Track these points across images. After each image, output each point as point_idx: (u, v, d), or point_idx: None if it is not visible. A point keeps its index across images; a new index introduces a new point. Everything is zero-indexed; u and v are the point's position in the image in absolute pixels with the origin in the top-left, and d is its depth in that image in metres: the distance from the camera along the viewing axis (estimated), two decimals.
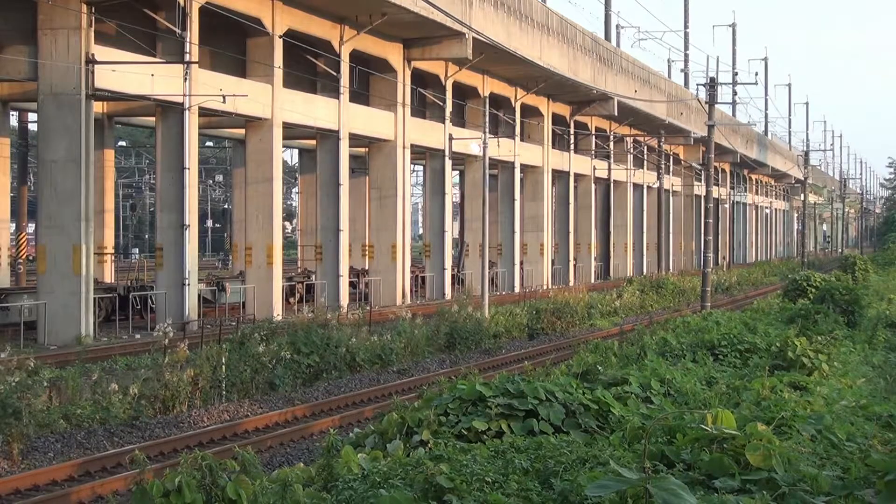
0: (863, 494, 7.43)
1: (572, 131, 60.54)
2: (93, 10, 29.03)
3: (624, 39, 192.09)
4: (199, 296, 33.55)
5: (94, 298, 29.88)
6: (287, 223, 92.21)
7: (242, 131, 39.17)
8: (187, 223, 32.20)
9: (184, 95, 31.44)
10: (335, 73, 39.24)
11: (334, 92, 39.52)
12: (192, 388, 20.24)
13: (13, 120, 46.18)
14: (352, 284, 43.20)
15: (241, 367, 21.69)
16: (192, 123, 32.27)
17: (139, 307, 33.82)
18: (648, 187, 73.13)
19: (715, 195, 74.47)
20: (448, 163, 46.61)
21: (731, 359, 18.54)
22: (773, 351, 17.12)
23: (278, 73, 35.68)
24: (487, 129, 44.02)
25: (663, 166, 66.03)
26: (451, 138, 42.37)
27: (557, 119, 58.98)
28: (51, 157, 29.09)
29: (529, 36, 46.61)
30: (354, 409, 20.94)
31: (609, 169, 65.20)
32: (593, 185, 64.96)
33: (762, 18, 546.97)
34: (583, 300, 39.24)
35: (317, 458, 12.00)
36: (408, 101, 43.72)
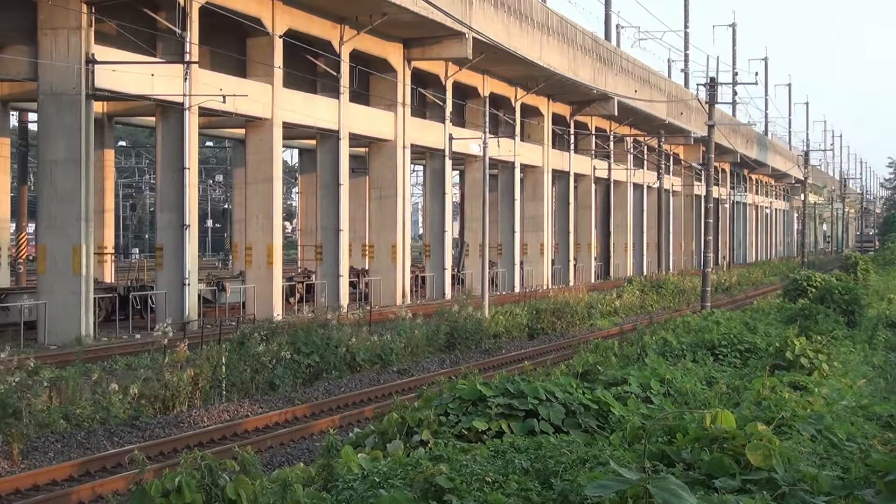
0: (863, 494, 7.42)
1: (572, 131, 60.54)
2: (93, 10, 29.03)
3: (624, 39, 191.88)
4: (199, 296, 33.55)
5: (94, 298, 29.89)
6: (287, 223, 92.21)
7: (242, 131, 39.19)
8: (187, 223, 32.20)
9: (184, 95, 31.44)
10: (335, 73, 39.24)
11: (334, 92, 39.52)
12: (192, 388, 20.23)
13: (13, 120, 46.19)
14: (352, 284, 43.19)
15: (241, 367, 21.68)
16: (192, 123, 32.27)
17: (139, 307, 33.83)
18: (648, 187, 73.13)
19: (715, 195, 74.45)
20: (448, 163, 46.60)
21: (731, 359, 18.53)
22: (773, 351, 17.10)
23: (278, 73, 35.68)
24: (487, 129, 44.04)
25: (663, 166, 66.04)
26: (451, 138, 42.36)
27: (557, 119, 58.98)
28: (51, 157, 29.10)
29: (529, 36, 46.61)
30: (354, 409, 20.93)
31: (609, 169, 65.21)
32: (593, 185, 64.97)
33: (762, 18, 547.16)
34: (583, 300, 39.22)
35: (317, 458, 11.99)
36: (408, 101, 43.72)
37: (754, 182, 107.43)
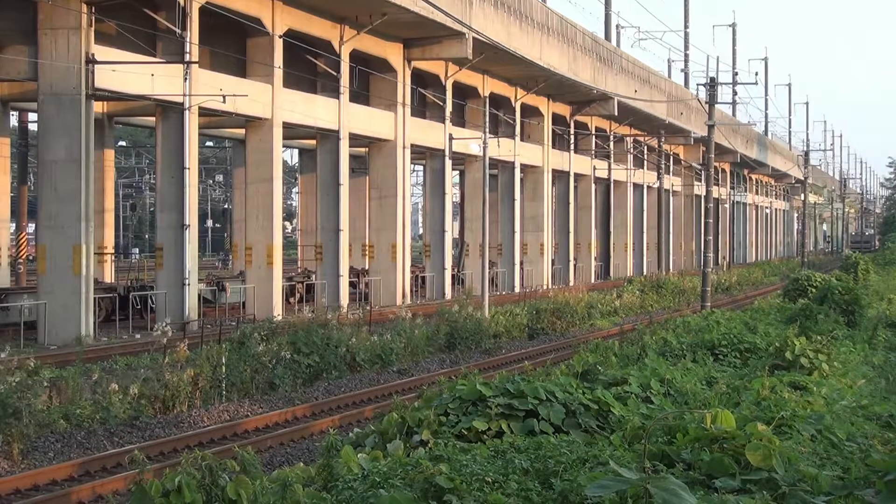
0: (863, 494, 7.42)
1: (572, 131, 60.53)
2: (93, 10, 29.03)
3: (624, 39, 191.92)
4: (199, 296, 33.54)
5: (94, 298, 29.88)
6: (287, 223, 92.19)
7: (242, 131, 39.19)
8: (187, 223, 32.20)
9: (184, 95, 31.44)
10: (335, 73, 39.24)
11: (334, 92, 39.52)
12: (192, 388, 20.24)
13: (13, 120, 46.18)
14: (352, 284, 43.19)
15: (241, 367, 21.69)
16: (192, 123, 32.27)
17: (139, 307, 33.82)
18: (648, 187, 73.13)
19: (715, 195, 74.45)
20: (448, 163, 46.60)
21: (731, 359, 18.52)
22: (773, 351, 17.10)
23: (278, 73, 35.68)
24: (487, 129, 44.02)
25: (663, 166, 66.04)
26: (451, 138, 42.36)
27: (557, 119, 58.97)
28: (51, 157, 29.10)
29: (529, 36, 46.61)
30: (354, 409, 20.93)
31: (609, 169, 65.20)
32: (593, 185, 64.96)
33: (762, 18, 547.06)
34: (583, 300, 39.23)
35: (317, 458, 12.00)
36: (408, 101, 43.71)
37: (754, 182, 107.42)
